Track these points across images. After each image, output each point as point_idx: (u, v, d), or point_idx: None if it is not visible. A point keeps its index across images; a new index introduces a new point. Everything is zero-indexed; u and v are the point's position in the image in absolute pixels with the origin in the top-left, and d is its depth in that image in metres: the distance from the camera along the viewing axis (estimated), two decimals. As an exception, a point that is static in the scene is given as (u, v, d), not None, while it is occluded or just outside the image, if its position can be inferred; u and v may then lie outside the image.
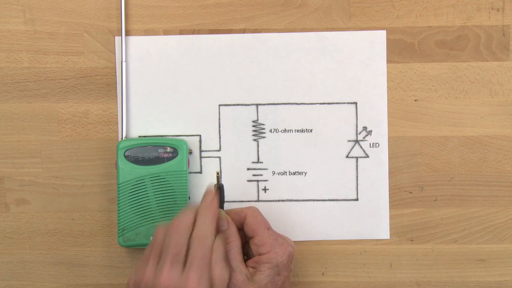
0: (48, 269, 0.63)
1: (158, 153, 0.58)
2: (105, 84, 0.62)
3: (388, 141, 0.62)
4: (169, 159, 0.59)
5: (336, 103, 0.62)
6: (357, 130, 0.62)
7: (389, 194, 0.62)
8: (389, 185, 0.62)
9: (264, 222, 0.55)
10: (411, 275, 0.63)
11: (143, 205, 0.59)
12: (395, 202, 0.62)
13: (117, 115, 0.62)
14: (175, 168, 0.59)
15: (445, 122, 0.62)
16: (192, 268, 0.49)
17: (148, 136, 0.61)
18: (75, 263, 0.63)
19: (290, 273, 0.56)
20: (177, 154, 0.59)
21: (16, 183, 0.62)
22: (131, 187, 0.58)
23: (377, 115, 0.62)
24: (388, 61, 0.62)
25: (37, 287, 0.63)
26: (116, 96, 0.62)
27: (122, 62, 0.61)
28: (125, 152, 0.59)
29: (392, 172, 0.62)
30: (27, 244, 0.63)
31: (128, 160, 0.58)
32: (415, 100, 0.62)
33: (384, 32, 0.62)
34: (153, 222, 0.58)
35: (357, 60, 0.62)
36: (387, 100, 0.62)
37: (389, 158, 0.62)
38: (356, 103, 0.62)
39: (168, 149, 0.59)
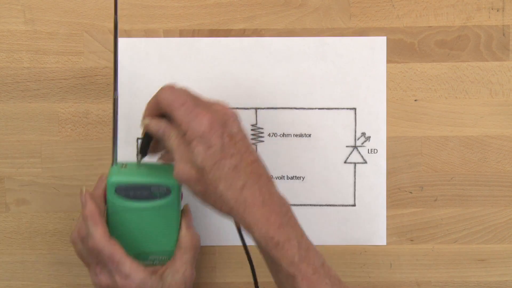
0: (48, 269, 0.63)
1: (151, 191, 0.54)
2: (105, 84, 0.62)
3: (388, 141, 0.62)
4: (162, 196, 0.54)
5: (335, 108, 0.62)
6: (355, 135, 0.62)
7: (389, 194, 0.62)
8: (389, 185, 0.62)
9: (177, 99, 0.49)
10: (411, 275, 0.63)
11: (129, 235, 0.55)
12: (395, 202, 0.62)
13: (117, 115, 0.62)
14: (167, 204, 0.55)
15: (445, 122, 0.62)
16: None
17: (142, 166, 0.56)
18: (75, 263, 0.62)
19: (240, 136, 0.50)
20: (170, 192, 0.54)
21: (16, 183, 0.62)
22: (119, 218, 0.55)
23: (376, 121, 0.62)
24: (388, 61, 0.62)
25: (37, 287, 0.63)
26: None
27: (116, 62, 0.57)
28: (116, 187, 0.54)
29: (392, 172, 0.62)
30: (27, 244, 0.63)
31: (118, 194, 0.54)
32: (415, 100, 0.62)
33: (384, 38, 0.62)
34: (140, 250, 0.56)
35: (357, 65, 0.62)
36: (387, 100, 0.62)
37: (389, 158, 0.62)
38: (355, 109, 0.62)
39: (161, 188, 0.54)
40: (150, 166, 0.56)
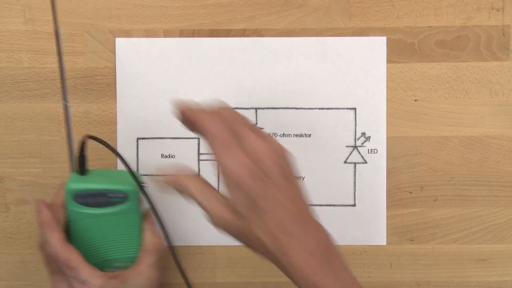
0: (48, 269, 0.63)
1: (108, 197, 0.54)
2: (105, 84, 0.62)
3: (388, 141, 0.62)
4: (119, 202, 0.54)
5: (335, 108, 0.62)
6: (355, 135, 0.62)
7: (389, 194, 0.62)
8: (389, 185, 0.62)
9: (219, 136, 0.46)
10: (411, 275, 0.63)
11: (91, 243, 0.55)
12: (395, 202, 0.62)
13: (116, 115, 0.62)
14: (126, 210, 0.55)
15: (445, 122, 0.62)
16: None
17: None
18: (75, 263, 0.63)
19: (284, 183, 0.45)
20: (128, 198, 0.54)
21: (16, 183, 0.62)
22: (80, 226, 0.55)
23: (376, 121, 0.62)
24: (388, 61, 0.62)
25: (37, 287, 0.63)
26: (116, 97, 0.62)
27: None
28: (73, 194, 0.54)
29: (392, 172, 0.62)
30: (27, 244, 0.63)
31: (76, 201, 0.54)
32: (415, 100, 0.62)
33: (384, 38, 0.62)
34: (104, 258, 0.56)
35: (357, 65, 0.62)
36: (387, 100, 0.62)
37: (389, 158, 0.62)
38: (355, 109, 0.62)
39: (119, 194, 0.54)
40: (109, 173, 0.57)
